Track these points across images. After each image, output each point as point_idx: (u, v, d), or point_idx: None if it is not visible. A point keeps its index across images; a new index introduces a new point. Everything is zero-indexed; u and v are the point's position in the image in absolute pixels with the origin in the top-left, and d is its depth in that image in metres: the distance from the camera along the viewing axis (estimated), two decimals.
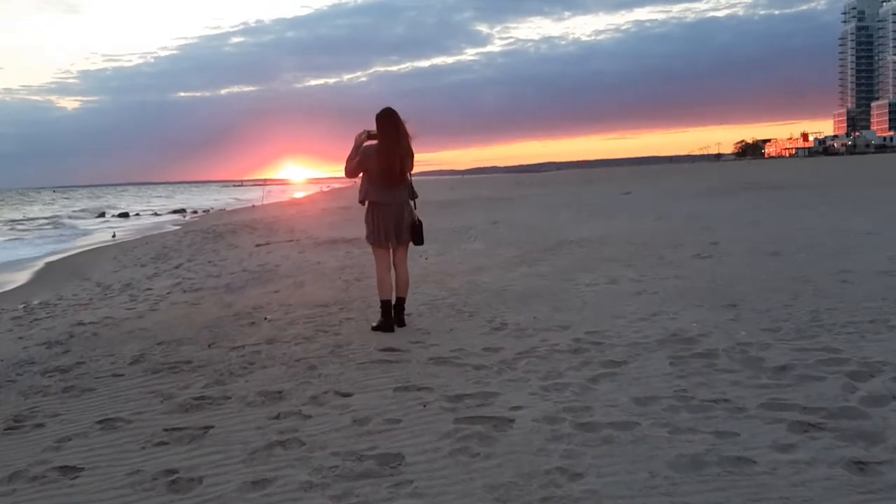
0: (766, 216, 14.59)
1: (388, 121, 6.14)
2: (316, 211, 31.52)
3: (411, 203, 6.42)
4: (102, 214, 45.47)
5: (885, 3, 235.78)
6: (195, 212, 45.41)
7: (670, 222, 14.61)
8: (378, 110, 6.17)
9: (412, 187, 6.39)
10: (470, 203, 28.51)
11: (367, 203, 6.31)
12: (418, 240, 6.37)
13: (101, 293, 10.78)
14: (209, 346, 6.09)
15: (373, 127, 6.24)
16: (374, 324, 6.34)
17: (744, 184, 29.21)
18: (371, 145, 6.18)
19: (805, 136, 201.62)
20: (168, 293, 9.95)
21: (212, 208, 49.57)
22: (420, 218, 6.40)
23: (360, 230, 6.73)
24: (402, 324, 6.34)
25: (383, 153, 6.08)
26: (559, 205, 22.50)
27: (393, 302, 6.29)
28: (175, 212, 46.03)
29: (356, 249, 13.92)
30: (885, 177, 30.34)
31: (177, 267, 13.59)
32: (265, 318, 7.18)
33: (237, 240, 18.54)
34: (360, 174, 6.29)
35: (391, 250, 6.36)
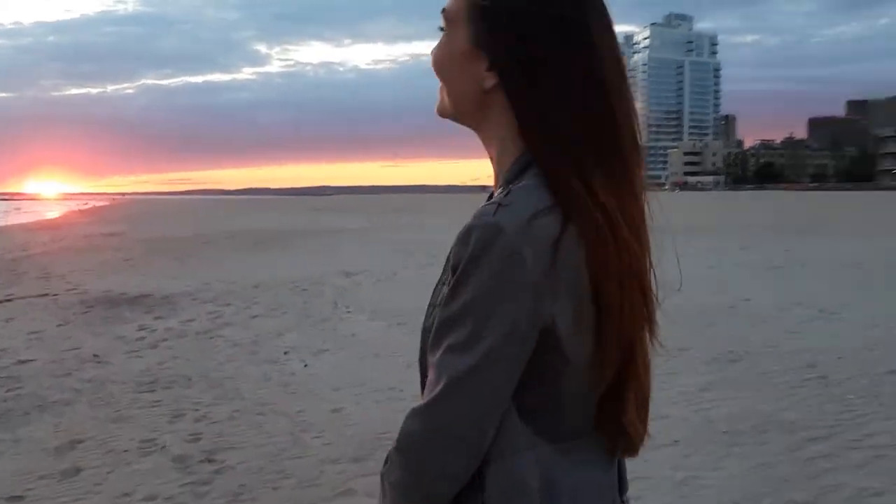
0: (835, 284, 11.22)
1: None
2: (76, 239, 24.84)
3: None
4: None
5: (635, 55, 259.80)
6: None
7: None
8: None
9: None
10: (289, 236, 23.44)
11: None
12: None
13: None
14: None
15: None
16: None
17: None
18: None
19: None
20: None
21: None
22: None
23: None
24: None
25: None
26: (410, 246, 18.27)
27: None
28: None
29: (153, 322, 8.92)
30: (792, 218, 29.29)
31: None
32: None
33: None
34: None
35: None
